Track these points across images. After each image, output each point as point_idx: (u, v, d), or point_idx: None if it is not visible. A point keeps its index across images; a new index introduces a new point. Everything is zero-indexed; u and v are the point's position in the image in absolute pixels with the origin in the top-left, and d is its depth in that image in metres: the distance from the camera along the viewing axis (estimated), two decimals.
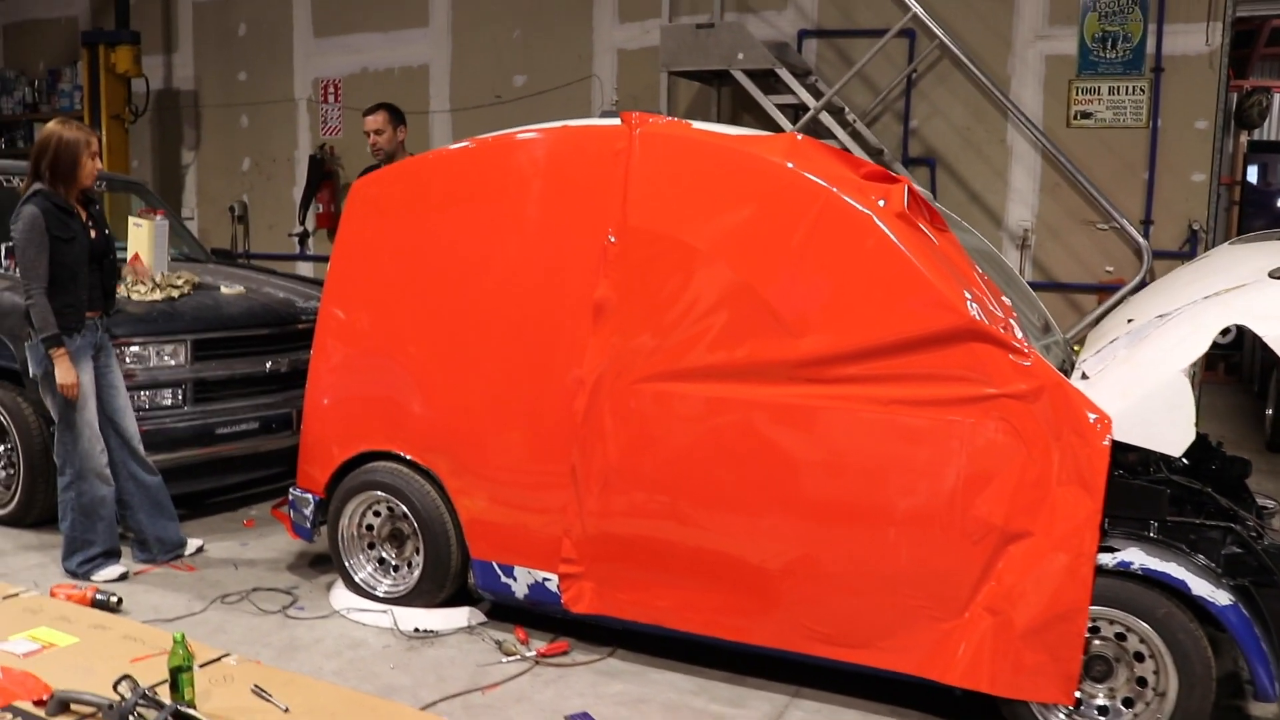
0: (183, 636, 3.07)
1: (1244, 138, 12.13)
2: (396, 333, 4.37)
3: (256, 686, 3.22)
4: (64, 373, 4.54)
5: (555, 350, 4.00)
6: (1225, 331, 3.68)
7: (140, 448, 4.95)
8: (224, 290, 6.10)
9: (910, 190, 3.71)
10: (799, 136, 3.86)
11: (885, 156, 6.78)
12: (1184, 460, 4.55)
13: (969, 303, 3.43)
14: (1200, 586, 3.25)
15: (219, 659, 3.43)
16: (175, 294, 5.79)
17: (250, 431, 5.76)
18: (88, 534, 4.76)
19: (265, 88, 9.27)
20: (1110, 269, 6.63)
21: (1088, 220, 6.60)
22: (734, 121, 7.31)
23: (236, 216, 9.55)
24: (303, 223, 9.06)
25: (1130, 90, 6.50)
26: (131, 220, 5.97)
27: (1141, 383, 3.40)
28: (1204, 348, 3.41)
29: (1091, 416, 3.33)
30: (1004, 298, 3.87)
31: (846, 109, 6.91)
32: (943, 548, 3.46)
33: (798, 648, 3.68)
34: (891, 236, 3.52)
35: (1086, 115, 6.62)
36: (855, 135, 6.91)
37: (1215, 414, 9.49)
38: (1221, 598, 3.24)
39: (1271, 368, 8.40)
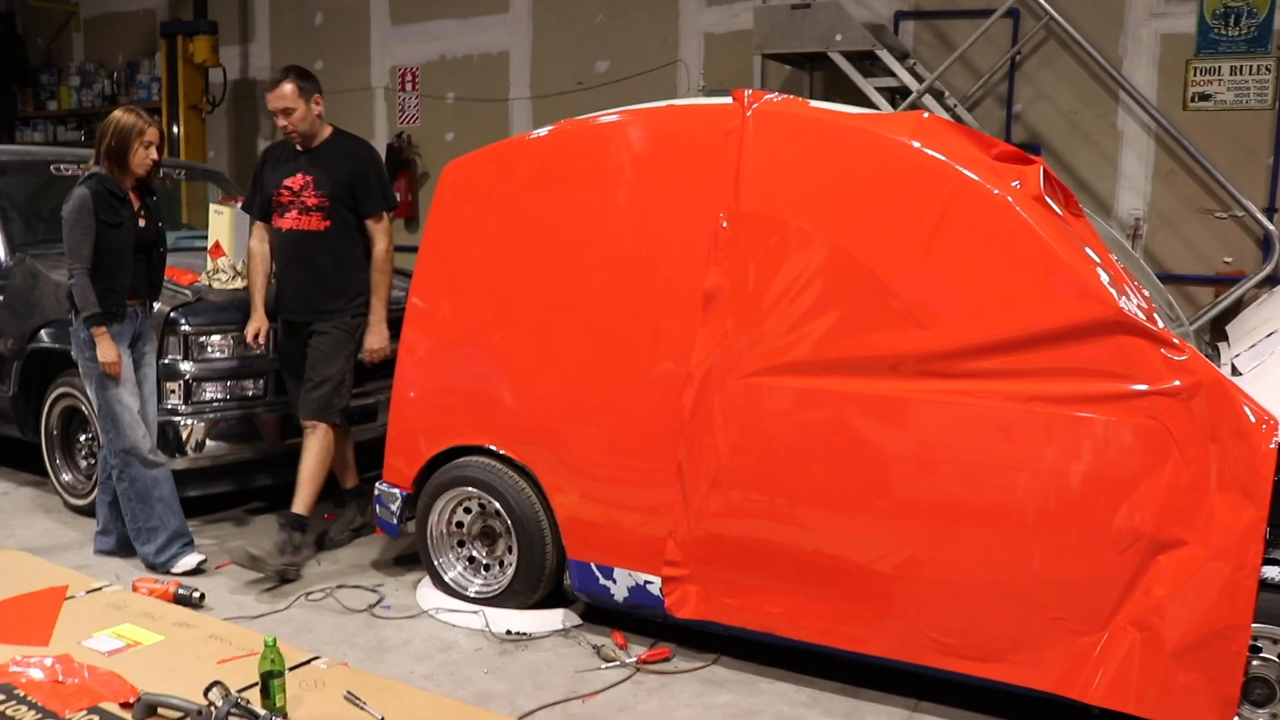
0: (274, 640, 2.93)
1: None
2: (488, 323, 4.19)
3: (349, 693, 3.07)
4: (105, 350, 4.50)
5: (660, 341, 3.79)
6: None
7: (153, 440, 4.83)
8: None
9: (1046, 172, 3.46)
10: (926, 114, 3.60)
11: None
12: None
13: (1116, 292, 3.16)
14: None
15: (308, 661, 3.29)
16: None
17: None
18: (150, 520, 4.68)
19: (342, 76, 9.17)
20: (1229, 260, 6.25)
21: (1204, 209, 6.22)
22: None
23: None
24: None
25: (1254, 70, 6.11)
26: (213, 208, 5.88)
27: None
28: None
29: (1255, 417, 3.04)
30: (1143, 289, 3.60)
31: (946, 93, 6.61)
32: (1084, 555, 3.20)
33: (920, 659, 3.43)
34: (1029, 220, 3.26)
35: (1205, 97, 6.24)
36: (956, 120, 6.60)
37: None
38: None
39: None
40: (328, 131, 4.89)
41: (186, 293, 5.37)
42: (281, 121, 4.71)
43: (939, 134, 3.53)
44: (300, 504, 4.71)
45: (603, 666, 3.83)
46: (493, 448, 4.19)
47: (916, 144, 3.43)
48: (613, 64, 7.97)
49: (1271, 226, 5.41)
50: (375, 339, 4.88)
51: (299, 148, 4.84)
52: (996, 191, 3.30)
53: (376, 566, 4.88)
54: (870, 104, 6.12)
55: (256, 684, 2.94)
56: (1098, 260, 3.29)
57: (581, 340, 3.97)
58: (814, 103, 3.75)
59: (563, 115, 4.37)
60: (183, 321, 5.18)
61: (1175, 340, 3.13)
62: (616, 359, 3.90)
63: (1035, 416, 3.24)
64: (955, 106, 6.51)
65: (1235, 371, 3.56)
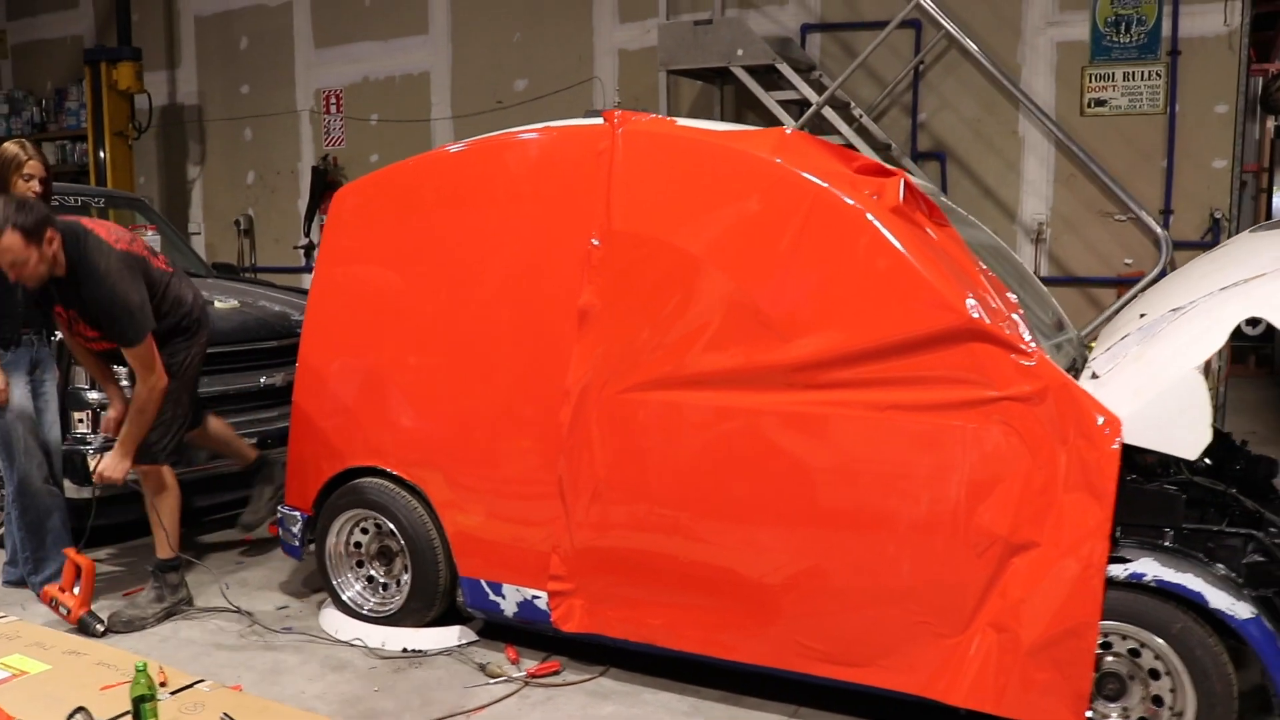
0: (144, 665, 2.94)
1: (1271, 123, 11.79)
2: (379, 345, 4.23)
3: (226, 715, 3.09)
4: None
5: (540, 359, 3.85)
6: (1255, 322, 3.48)
7: (54, 468, 4.80)
8: (217, 305, 5.99)
9: (907, 184, 3.53)
10: (789, 130, 3.69)
11: (893, 151, 6.58)
12: (1206, 461, 4.36)
13: (969, 301, 3.25)
14: (1219, 598, 3.04)
15: (192, 685, 3.31)
16: None
17: None
18: (40, 550, 4.67)
19: (268, 100, 9.19)
20: (1129, 261, 6.40)
21: (1105, 211, 6.36)
22: (738, 120, 7.14)
23: (242, 230, 9.47)
24: (307, 235, 8.95)
25: (1146, 75, 6.27)
26: None
27: (1154, 382, 3.19)
28: (1220, 343, 3.21)
29: (1100, 419, 3.13)
30: (1010, 294, 3.68)
31: (852, 104, 6.72)
32: (946, 560, 3.27)
33: (795, 666, 3.50)
34: (885, 232, 3.34)
35: (1101, 103, 6.39)
36: (861, 130, 6.71)
37: (1245, 408, 9.20)
38: (1242, 610, 3.03)
39: None
40: (63, 262, 4.19)
41: None
42: (13, 276, 4.10)
43: (801, 149, 3.61)
44: (163, 549, 4.55)
45: (490, 682, 3.87)
46: (385, 469, 4.23)
47: (778, 159, 3.51)
48: (530, 82, 8.05)
49: (1158, 228, 5.54)
50: (108, 464, 4.41)
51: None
52: (853, 204, 3.38)
53: (284, 588, 4.90)
54: (776, 119, 6.22)
55: (129, 711, 2.96)
56: (956, 269, 3.37)
57: (467, 360, 4.02)
58: (682, 121, 3.83)
59: (484, 134, 4.40)
60: None
61: (1027, 346, 3.22)
62: (500, 378, 3.95)
63: (894, 425, 3.32)
64: (861, 117, 6.62)
65: (1094, 375, 3.65)
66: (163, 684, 3.16)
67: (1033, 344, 3.26)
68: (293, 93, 9.17)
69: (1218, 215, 6.20)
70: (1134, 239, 6.37)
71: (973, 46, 6.02)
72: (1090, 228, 6.49)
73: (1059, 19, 6.46)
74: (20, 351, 4.65)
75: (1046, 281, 6.50)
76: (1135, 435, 3.15)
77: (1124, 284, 6.31)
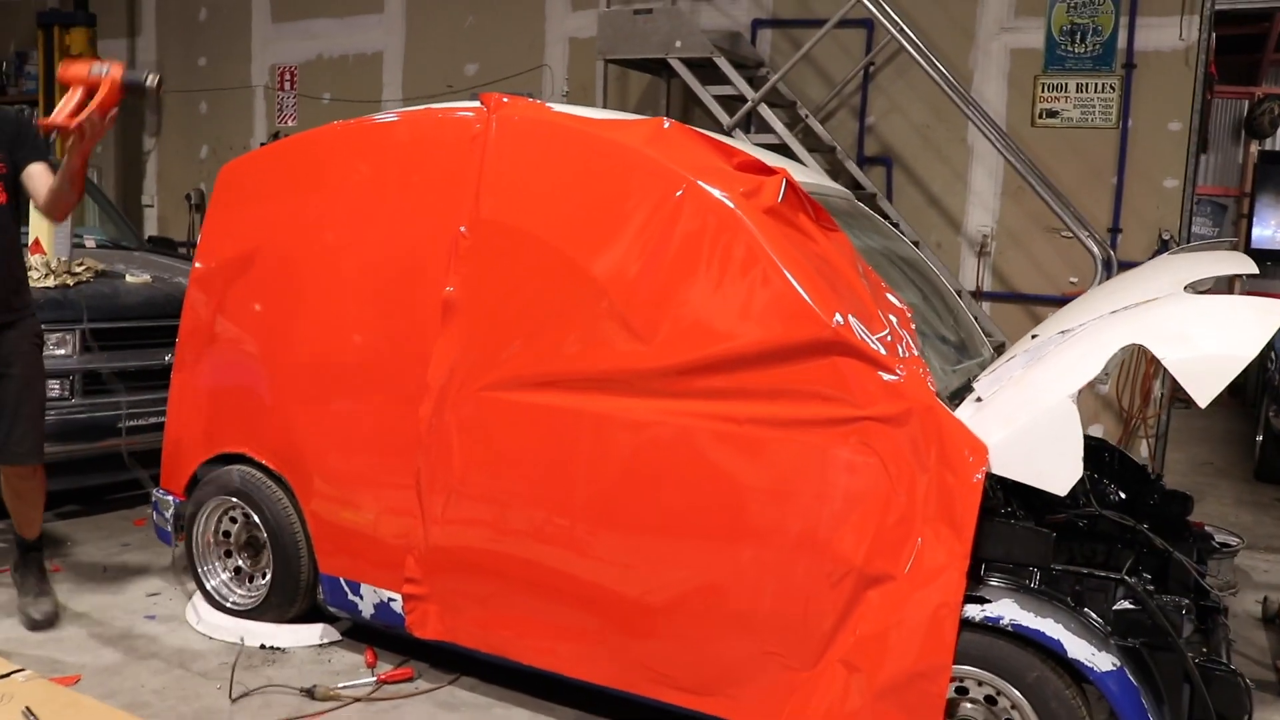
0: None
1: (1255, 148, 11.58)
2: (249, 328, 4.07)
3: (27, 709, 2.93)
4: None
5: (403, 351, 3.67)
6: None
7: None
8: (128, 279, 5.84)
9: (789, 183, 3.34)
10: (667, 122, 3.50)
11: (838, 154, 6.39)
12: (1121, 495, 4.18)
13: (836, 311, 3.04)
14: (1078, 648, 2.84)
15: (10, 674, 3.15)
16: (71, 281, 5.55)
17: (148, 427, 5.48)
18: None
19: (224, 74, 9.02)
20: (1075, 280, 6.20)
21: (1051, 227, 6.15)
22: (683, 115, 6.96)
23: (194, 205, 9.30)
24: None
25: (1100, 88, 6.07)
26: (33, 207, 5.72)
27: (1024, 409, 2.99)
28: (1097, 370, 3.01)
29: (965, 446, 2.94)
30: (900, 308, 3.49)
31: (798, 103, 6.53)
32: (796, 588, 3.06)
33: (640, 690, 3.31)
34: (754, 231, 3.15)
35: (1053, 114, 6.19)
36: (807, 131, 6.52)
37: (1209, 438, 9.01)
38: (1103, 662, 2.83)
39: (1263, 393, 7.92)
40: None
41: None
42: None
43: (676, 141, 3.42)
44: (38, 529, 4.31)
45: (340, 686, 3.69)
46: (253, 456, 4.06)
47: (648, 150, 3.33)
48: (481, 67, 7.87)
49: (1095, 248, 5.34)
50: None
51: None
52: (722, 199, 3.19)
53: (163, 575, 4.74)
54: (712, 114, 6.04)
55: None
56: (831, 277, 3.18)
57: (331, 348, 3.84)
58: (559, 107, 3.64)
59: None
60: None
61: (894, 364, 3.03)
62: (364, 369, 3.77)
63: (750, 440, 3.12)
64: (807, 117, 6.43)
65: (979, 399, 3.46)
66: None
67: (903, 361, 3.07)
68: (249, 67, 9.00)
69: (1166, 236, 6.00)
70: (1081, 256, 6.15)
71: (915, 54, 5.79)
72: (1036, 243, 6.30)
73: (1014, 25, 6.26)
74: None
75: (989, 297, 6.34)
76: (1002, 465, 2.95)
77: (1066, 303, 6.10)
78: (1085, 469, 4.17)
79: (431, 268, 3.61)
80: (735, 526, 3.14)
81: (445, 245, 3.58)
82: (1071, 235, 5.83)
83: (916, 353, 3.30)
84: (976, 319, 5.89)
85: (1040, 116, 6.22)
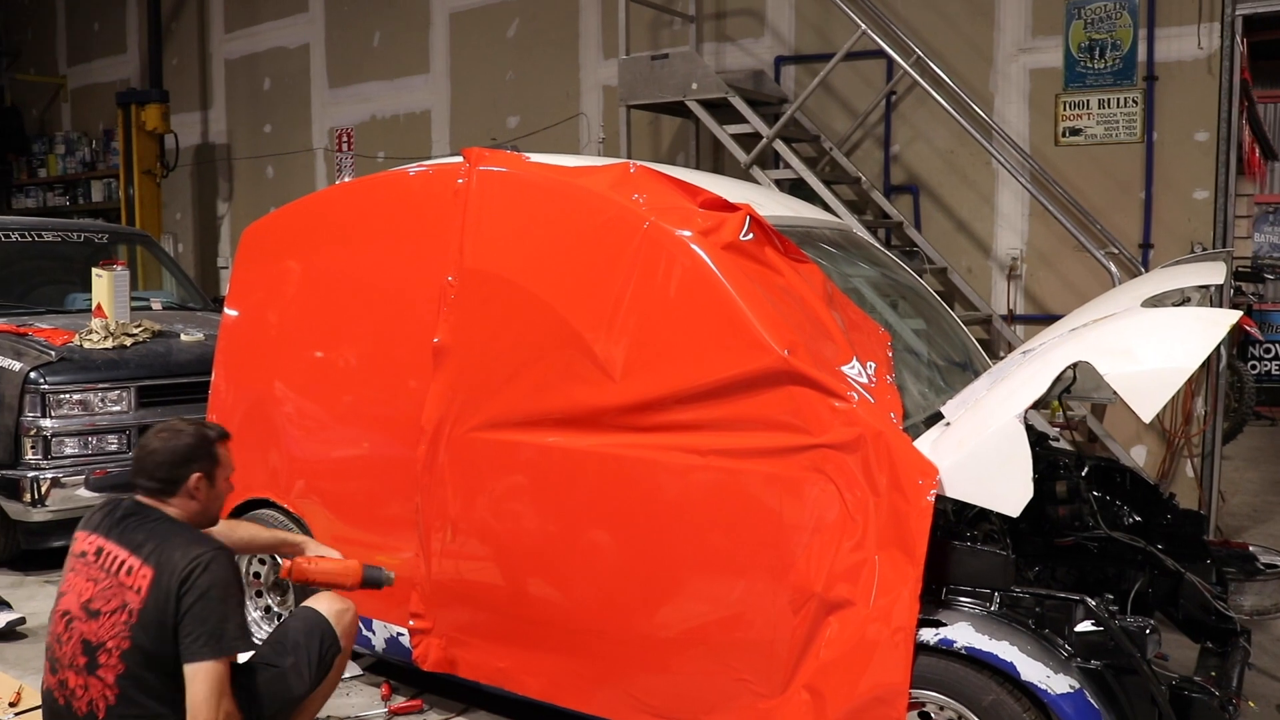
0: None
1: None
2: (269, 380, 4.31)
3: None
4: None
5: (403, 397, 3.87)
6: None
7: None
8: (183, 338, 6.19)
9: (753, 218, 3.45)
10: (633, 166, 3.64)
11: (864, 184, 6.44)
12: (1135, 517, 4.12)
13: (789, 342, 3.12)
14: (1032, 670, 2.82)
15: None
16: (128, 341, 5.91)
17: None
18: None
19: (287, 139, 9.49)
20: None
21: (1080, 246, 6.07)
22: (713, 155, 7.09)
23: None
24: None
25: (1122, 102, 6.01)
26: (94, 271, 6.14)
27: (976, 431, 3.02)
28: (1041, 390, 3.01)
29: (914, 471, 2.97)
30: (876, 334, 3.55)
31: (822, 136, 6.61)
32: (765, 616, 3.13)
33: (625, 718, 3.40)
34: (712, 267, 3.26)
35: (1076, 132, 6.15)
36: (833, 164, 6.59)
37: (1267, 456, 8.68)
38: (1059, 684, 2.80)
39: None
40: None
41: (51, 353, 5.62)
42: None
43: (641, 184, 3.56)
44: None
45: (353, 716, 3.87)
46: (276, 501, 4.29)
47: (613, 194, 3.47)
48: (522, 119, 8.13)
49: (1113, 268, 5.27)
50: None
51: None
52: (681, 237, 3.32)
53: None
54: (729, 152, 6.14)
55: None
56: (792, 309, 3.26)
57: (340, 396, 4.06)
58: (535, 157, 3.81)
59: None
60: (41, 380, 5.42)
61: (847, 392, 3.08)
62: (371, 415, 3.98)
63: (714, 471, 3.21)
64: (831, 150, 6.50)
65: (948, 422, 3.47)
66: None
67: (865, 388, 3.13)
68: (309, 131, 9.46)
69: (1200, 249, 5.88)
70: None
71: (929, 87, 5.83)
72: (1066, 263, 6.23)
73: (1031, 45, 6.25)
74: None
75: (1021, 319, 6.29)
76: (954, 488, 2.97)
77: None
78: (1097, 491, 4.16)
79: (425, 317, 3.80)
80: (702, 558, 3.23)
81: (436, 295, 3.77)
82: (1102, 254, 5.77)
83: (890, 379, 3.36)
84: (992, 343, 5.86)
85: (1064, 135, 6.18)
